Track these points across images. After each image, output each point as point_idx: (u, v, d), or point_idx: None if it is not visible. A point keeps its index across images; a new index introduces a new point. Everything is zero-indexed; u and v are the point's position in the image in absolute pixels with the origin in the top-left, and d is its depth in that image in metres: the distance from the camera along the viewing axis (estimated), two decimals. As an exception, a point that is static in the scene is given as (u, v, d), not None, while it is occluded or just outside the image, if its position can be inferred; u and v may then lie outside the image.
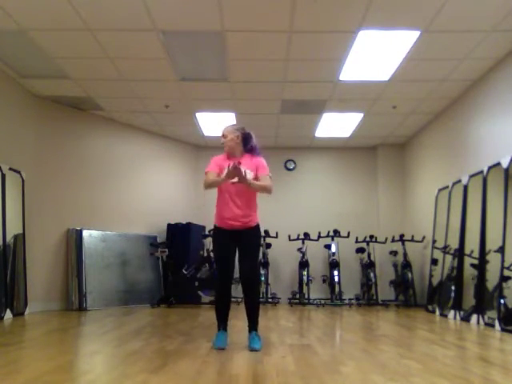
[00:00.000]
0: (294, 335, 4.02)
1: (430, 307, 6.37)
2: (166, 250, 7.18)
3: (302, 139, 8.28)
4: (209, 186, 3.52)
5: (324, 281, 7.78)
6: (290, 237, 7.77)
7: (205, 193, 3.84)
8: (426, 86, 5.79)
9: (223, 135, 3.58)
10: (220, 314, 3.57)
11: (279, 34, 4.54)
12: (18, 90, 5.82)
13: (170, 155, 8.19)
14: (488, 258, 5.00)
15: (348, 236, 7.67)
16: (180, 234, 7.55)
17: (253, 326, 3.44)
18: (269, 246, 7.81)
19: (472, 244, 5.37)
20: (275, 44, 4.73)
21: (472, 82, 5.65)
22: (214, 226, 3.60)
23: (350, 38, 4.59)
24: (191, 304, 6.99)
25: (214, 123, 7.36)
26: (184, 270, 7.01)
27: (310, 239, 7.74)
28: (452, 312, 5.51)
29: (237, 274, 8.70)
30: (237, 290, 7.73)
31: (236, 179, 3.28)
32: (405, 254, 7.41)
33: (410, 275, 7.21)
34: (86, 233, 6.53)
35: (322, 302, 7.30)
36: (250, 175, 3.41)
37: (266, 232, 7.83)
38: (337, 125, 7.39)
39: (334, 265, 7.50)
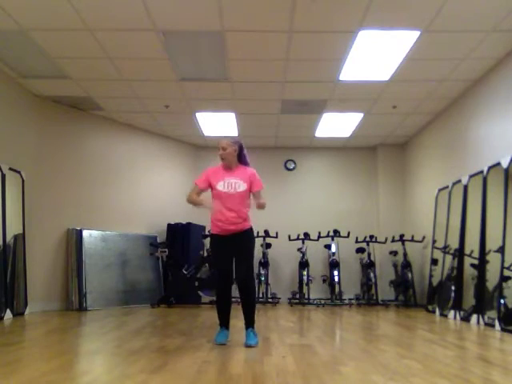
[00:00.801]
0: (293, 335, 4.02)
1: (430, 307, 6.37)
2: (166, 250, 7.18)
3: (302, 139, 8.28)
4: (189, 202, 3.74)
5: (324, 281, 7.78)
6: (289, 237, 7.77)
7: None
8: (426, 86, 5.79)
9: (223, 148, 3.65)
10: (221, 314, 3.68)
11: (279, 34, 4.54)
12: (18, 90, 5.82)
13: (170, 155, 8.20)
14: (488, 258, 5.00)
15: (348, 236, 7.67)
16: (180, 234, 7.56)
17: (249, 322, 3.57)
18: (269, 245, 7.81)
19: (472, 244, 5.36)
20: (275, 44, 4.73)
21: (472, 82, 5.65)
22: (211, 233, 3.69)
23: (350, 38, 4.59)
24: (191, 304, 6.99)
25: (214, 123, 7.37)
26: (184, 270, 7.01)
27: (309, 239, 7.74)
28: (452, 312, 5.51)
29: (237, 274, 8.61)
30: (237, 290, 7.76)
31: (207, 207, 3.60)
32: (405, 254, 7.41)
33: (410, 275, 7.21)
34: (85, 233, 6.53)
35: (322, 301, 7.30)
36: (243, 187, 3.59)
37: (266, 232, 7.84)
38: (337, 125, 7.39)
39: (333, 265, 7.49)
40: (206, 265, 7.12)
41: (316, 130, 7.68)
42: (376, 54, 4.94)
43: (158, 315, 5.64)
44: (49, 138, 6.36)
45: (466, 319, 5.16)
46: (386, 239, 7.77)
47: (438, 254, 6.36)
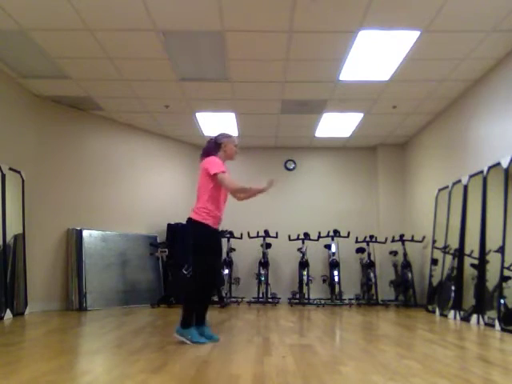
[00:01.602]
0: (293, 335, 4.02)
1: (430, 307, 6.37)
2: (166, 250, 7.18)
3: (302, 139, 8.28)
4: (240, 190, 3.78)
5: (324, 281, 7.78)
6: (289, 237, 7.77)
7: (237, 196, 3.95)
8: (426, 86, 5.79)
9: (237, 145, 3.91)
10: (200, 310, 3.65)
11: (279, 34, 4.54)
12: (18, 90, 5.82)
13: (170, 155, 8.20)
14: (488, 258, 5.00)
15: (348, 236, 7.67)
16: (180, 234, 7.55)
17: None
18: (269, 245, 7.81)
19: (472, 244, 5.36)
20: (275, 44, 4.73)
21: (472, 82, 5.65)
22: (205, 224, 3.60)
23: (350, 37, 4.59)
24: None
25: (214, 123, 7.36)
26: (184, 270, 7.01)
27: (309, 239, 7.74)
28: (452, 312, 5.51)
29: (237, 274, 8.69)
30: (237, 290, 7.77)
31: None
32: (405, 254, 7.41)
33: (410, 275, 7.21)
34: (85, 233, 6.53)
35: (322, 301, 7.30)
36: None
37: (266, 232, 7.84)
38: (337, 125, 7.39)
39: (334, 265, 7.50)
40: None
41: (316, 130, 7.68)
42: (376, 54, 4.94)
43: (158, 315, 5.64)
44: (49, 138, 6.36)
45: (466, 319, 5.16)
46: (386, 239, 7.78)
47: (438, 254, 6.36)
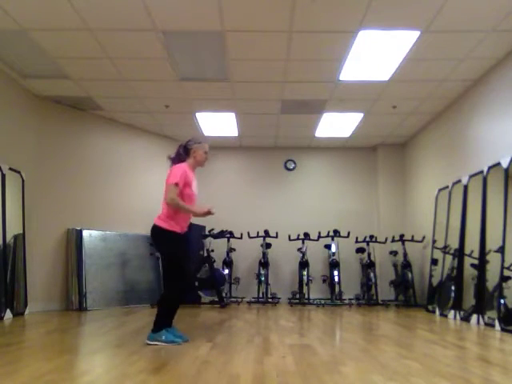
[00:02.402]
0: (293, 335, 4.02)
1: (430, 307, 6.37)
2: (166, 250, 7.16)
3: (301, 139, 8.28)
4: (178, 207, 3.56)
5: (324, 281, 7.78)
6: (290, 237, 7.77)
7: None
8: (426, 86, 5.79)
9: (207, 152, 3.84)
10: (173, 313, 3.65)
11: (279, 34, 4.54)
12: (19, 90, 5.82)
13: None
14: (488, 258, 5.00)
15: (348, 236, 7.66)
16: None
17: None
18: (269, 245, 7.81)
19: (472, 244, 5.36)
20: (275, 44, 4.73)
21: (472, 82, 5.65)
22: (173, 232, 3.58)
23: (350, 37, 4.59)
24: (191, 304, 6.99)
25: (214, 123, 7.37)
26: (184, 270, 7.00)
27: (309, 239, 7.74)
28: (452, 312, 5.51)
29: (237, 274, 8.68)
30: (237, 290, 7.77)
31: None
32: (405, 254, 7.41)
33: (410, 275, 7.21)
34: (85, 233, 6.53)
35: (322, 301, 7.30)
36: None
37: (266, 232, 7.84)
38: (337, 125, 7.39)
39: (334, 265, 7.50)
40: (206, 265, 7.13)
41: (316, 130, 7.68)
42: (376, 54, 4.94)
43: (158, 315, 5.63)
44: (49, 138, 6.36)
45: (466, 319, 5.16)
46: (386, 239, 7.77)
47: (438, 254, 6.36)
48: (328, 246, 7.84)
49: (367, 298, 7.44)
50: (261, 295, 7.46)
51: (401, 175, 8.40)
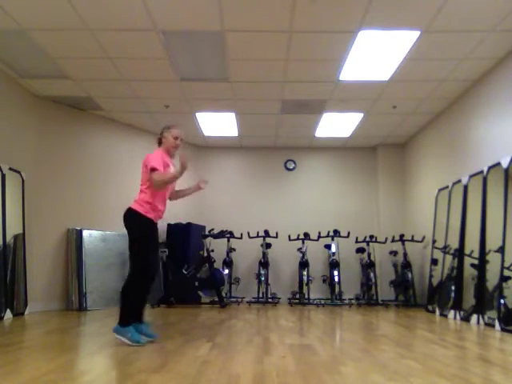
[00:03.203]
0: (293, 335, 4.02)
1: (430, 307, 6.37)
2: (166, 250, 7.17)
3: (301, 139, 8.28)
4: (165, 182, 3.60)
5: (324, 281, 7.78)
6: (289, 237, 7.77)
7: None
8: (426, 86, 5.79)
9: (182, 139, 3.87)
10: (140, 308, 3.62)
11: (279, 34, 4.54)
12: (18, 90, 5.82)
13: (170, 155, 8.18)
14: (488, 258, 5.00)
15: (348, 236, 7.67)
16: (180, 234, 7.55)
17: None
18: (269, 245, 7.81)
19: (472, 244, 5.37)
20: (275, 44, 4.73)
21: (472, 82, 5.65)
22: (147, 218, 3.59)
23: (350, 37, 4.59)
24: (191, 304, 6.99)
25: (214, 123, 7.37)
26: (184, 270, 7.01)
27: (309, 239, 7.74)
28: (452, 312, 5.51)
29: (237, 274, 8.67)
30: (237, 290, 7.77)
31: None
32: (405, 254, 7.41)
33: (410, 275, 7.22)
34: (85, 233, 6.53)
35: (322, 301, 7.30)
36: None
37: (266, 232, 7.84)
38: (337, 125, 7.39)
39: (334, 265, 7.50)
40: (206, 265, 7.13)
41: (316, 130, 7.68)
42: (376, 54, 4.94)
43: (158, 315, 5.64)
44: (49, 138, 6.36)
45: (466, 319, 5.16)
46: (386, 239, 7.78)
47: (438, 254, 6.36)
48: (328, 246, 7.84)
49: (367, 298, 7.44)
50: (261, 295, 7.46)
51: (401, 175, 8.40)
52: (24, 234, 5.70)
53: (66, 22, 4.32)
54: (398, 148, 8.48)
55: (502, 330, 4.39)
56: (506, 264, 4.58)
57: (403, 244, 7.49)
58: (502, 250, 4.66)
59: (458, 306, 5.44)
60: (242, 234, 7.82)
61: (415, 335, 4.14)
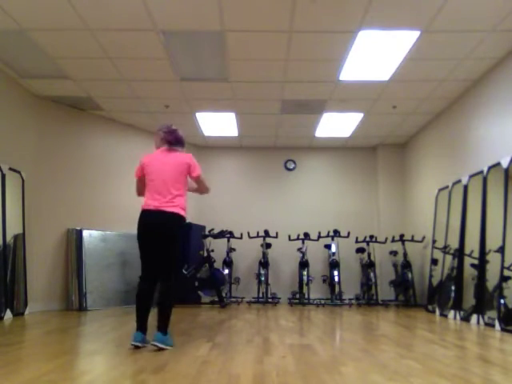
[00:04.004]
0: (294, 335, 4.02)
1: (430, 307, 6.37)
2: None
3: (301, 139, 8.28)
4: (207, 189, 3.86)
5: (324, 281, 7.78)
6: (290, 237, 7.77)
7: (207, 194, 3.95)
8: (426, 86, 5.79)
9: (163, 139, 3.91)
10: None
11: (279, 34, 4.54)
12: (18, 90, 5.82)
13: (170, 155, 8.18)
14: (488, 257, 5.00)
15: (348, 236, 7.67)
16: (180, 235, 7.54)
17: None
18: (269, 245, 7.82)
19: (472, 244, 5.37)
20: (275, 44, 4.73)
21: (472, 82, 5.65)
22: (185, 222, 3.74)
23: (350, 37, 4.59)
24: (191, 304, 6.99)
25: (214, 123, 7.37)
26: (184, 270, 7.01)
27: (309, 239, 7.74)
28: (452, 312, 5.51)
29: (237, 274, 8.67)
30: (237, 290, 7.77)
31: None
32: (405, 254, 7.41)
33: (410, 275, 7.22)
34: (85, 233, 6.53)
35: (322, 301, 7.30)
36: None
37: (266, 232, 7.84)
38: (337, 125, 7.40)
39: (334, 265, 7.50)
40: (206, 265, 7.13)
41: (316, 130, 7.68)
42: (376, 54, 4.94)
43: (158, 315, 5.63)
44: (49, 138, 6.36)
45: (466, 319, 5.16)
46: (386, 239, 7.78)
47: (438, 254, 6.36)
48: (328, 246, 7.84)
49: (367, 298, 7.44)
50: (261, 295, 7.46)
51: (401, 175, 8.40)
52: (24, 233, 5.70)
53: (66, 22, 4.32)
54: (397, 148, 8.48)
55: (502, 330, 4.39)
56: (506, 264, 4.58)
57: (403, 244, 7.49)
58: (502, 250, 4.66)
59: (457, 306, 5.44)
60: (241, 234, 7.82)
61: (415, 335, 4.14)
